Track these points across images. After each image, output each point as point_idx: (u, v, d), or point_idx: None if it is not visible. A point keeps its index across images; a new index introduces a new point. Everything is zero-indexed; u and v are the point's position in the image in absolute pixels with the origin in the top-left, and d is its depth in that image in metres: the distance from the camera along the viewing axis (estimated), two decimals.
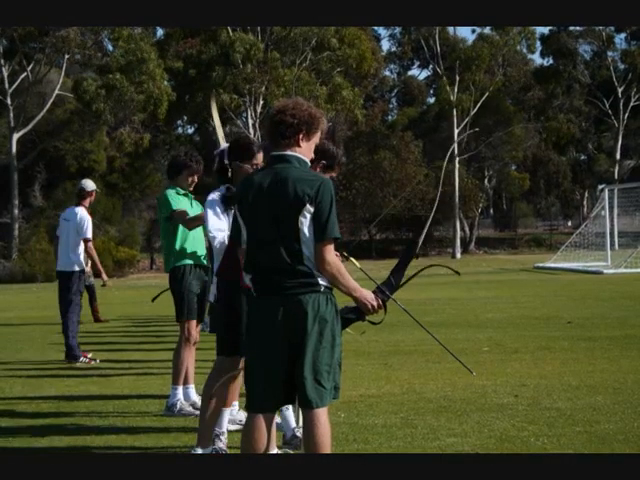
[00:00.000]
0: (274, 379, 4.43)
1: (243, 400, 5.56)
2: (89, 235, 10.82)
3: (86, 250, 10.86)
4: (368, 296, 4.63)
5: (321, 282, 4.44)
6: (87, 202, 10.99)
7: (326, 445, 4.41)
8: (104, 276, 11.30)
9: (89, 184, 11.08)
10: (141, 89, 40.35)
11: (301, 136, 4.50)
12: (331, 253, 4.41)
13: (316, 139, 4.60)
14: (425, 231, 5.41)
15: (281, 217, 4.39)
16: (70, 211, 11.06)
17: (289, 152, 4.49)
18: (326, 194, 4.37)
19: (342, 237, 4.61)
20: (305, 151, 4.54)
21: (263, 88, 42.21)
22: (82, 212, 10.88)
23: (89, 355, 10.91)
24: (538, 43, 56.10)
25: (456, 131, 51.06)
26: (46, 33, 40.80)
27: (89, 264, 16.41)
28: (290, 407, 6.03)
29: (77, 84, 41.37)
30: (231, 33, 41.61)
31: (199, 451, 5.60)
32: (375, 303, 4.64)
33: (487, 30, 51.79)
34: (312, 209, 4.35)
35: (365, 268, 6.54)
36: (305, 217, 4.36)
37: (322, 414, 4.42)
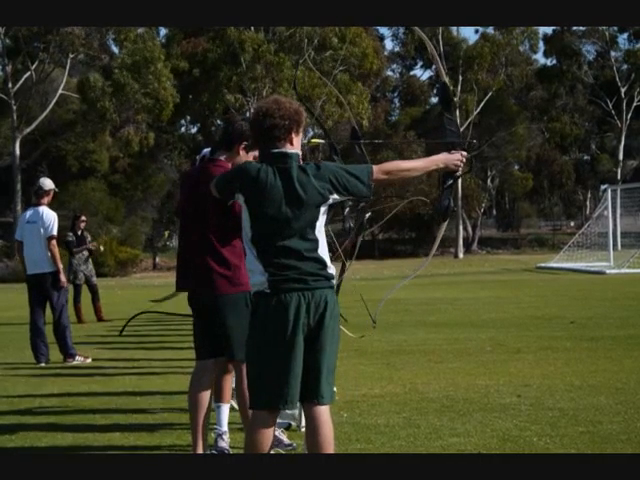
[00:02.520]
0: (290, 374, 4.41)
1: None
2: (55, 233, 10.67)
3: (49, 247, 10.61)
4: (452, 157, 4.82)
5: (333, 274, 4.52)
6: (46, 201, 10.81)
7: (332, 443, 4.43)
8: (62, 277, 10.86)
9: (47, 183, 10.88)
10: (147, 90, 40.40)
11: (293, 135, 4.55)
12: (377, 170, 4.58)
13: (301, 130, 4.66)
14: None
15: (306, 213, 4.43)
16: (33, 212, 10.79)
17: (289, 150, 4.53)
18: (333, 172, 4.49)
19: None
20: (297, 145, 4.61)
21: (267, 88, 42.20)
22: (47, 210, 10.74)
23: (85, 358, 10.97)
24: (541, 43, 56.21)
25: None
26: (50, 31, 40.81)
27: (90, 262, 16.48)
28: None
29: (83, 82, 41.44)
30: (232, 31, 41.56)
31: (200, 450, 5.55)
32: (459, 156, 4.83)
33: (490, 30, 51.86)
34: (336, 195, 4.49)
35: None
36: (327, 205, 4.49)
37: (328, 411, 4.45)
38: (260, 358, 4.47)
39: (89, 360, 10.89)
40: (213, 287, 5.47)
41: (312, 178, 4.44)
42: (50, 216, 10.67)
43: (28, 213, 10.93)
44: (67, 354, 10.87)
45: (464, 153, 4.85)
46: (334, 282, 4.53)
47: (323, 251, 4.49)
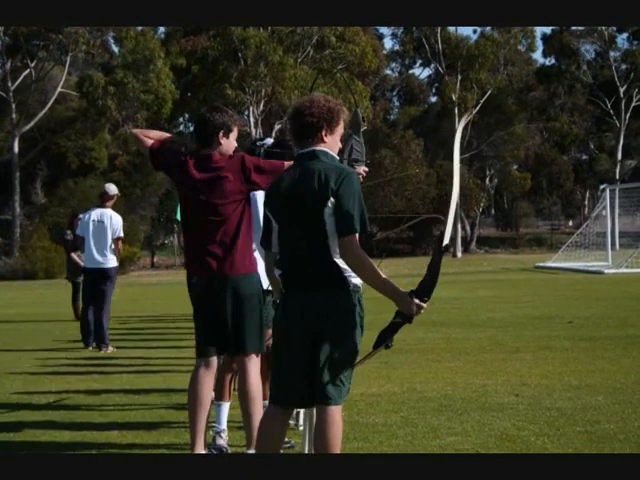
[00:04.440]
0: (299, 373, 4.43)
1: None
2: (122, 234, 12.02)
3: (116, 246, 11.90)
4: (410, 302, 4.45)
5: (351, 280, 4.44)
6: (110, 204, 12.01)
7: (337, 445, 4.39)
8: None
9: (112, 188, 12.05)
10: (147, 88, 40.40)
11: (324, 132, 4.51)
12: (353, 244, 4.34)
13: (340, 130, 4.60)
14: (450, 225, 5.37)
15: (308, 211, 4.39)
16: (101, 213, 11.93)
17: (315, 148, 4.51)
18: (347, 186, 4.35)
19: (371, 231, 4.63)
20: (331, 145, 4.55)
21: (266, 86, 42.18)
22: (115, 214, 11.99)
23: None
24: (540, 43, 56.28)
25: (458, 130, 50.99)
26: (52, 30, 40.78)
27: None
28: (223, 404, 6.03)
29: (84, 80, 41.40)
30: (234, 29, 41.47)
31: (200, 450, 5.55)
32: (415, 306, 4.47)
33: (488, 29, 51.93)
34: (334, 201, 4.34)
35: None
36: (329, 209, 4.35)
37: (337, 412, 4.41)
38: (274, 354, 4.57)
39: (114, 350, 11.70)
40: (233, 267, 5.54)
41: (320, 173, 4.38)
42: (119, 219, 11.97)
43: (94, 213, 11.99)
44: (104, 343, 11.67)
45: (423, 305, 4.50)
46: (354, 284, 4.44)
47: (337, 255, 4.40)
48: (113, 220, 11.85)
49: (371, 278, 4.40)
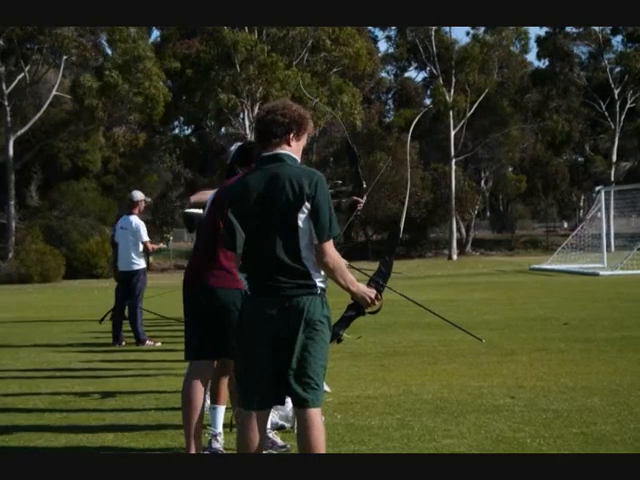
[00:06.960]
0: (267, 377, 4.43)
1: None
2: (145, 238, 12.29)
3: (146, 249, 12.43)
4: (365, 289, 4.68)
5: (318, 284, 4.44)
6: (137, 210, 12.40)
7: (321, 447, 4.40)
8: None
9: (137, 194, 12.46)
10: (138, 89, 40.34)
11: (291, 135, 4.52)
12: (332, 248, 4.43)
13: (304, 140, 4.62)
14: (404, 215, 5.58)
15: (280, 216, 4.39)
16: (125, 220, 12.47)
17: (280, 151, 4.50)
18: (321, 190, 4.39)
19: (340, 233, 4.70)
20: (295, 150, 4.55)
21: (260, 89, 42.18)
22: (136, 220, 12.35)
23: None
24: (535, 45, 56.31)
25: (452, 132, 51.10)
26: (42, 32, 40.73)
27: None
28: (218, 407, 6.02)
29: (76, 82, 41.40)
30: (226, 32, 41.47)
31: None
32: (372, 295, 4.67)
33: (481, 33, 52.11)
34: (309, 206, 4.36)
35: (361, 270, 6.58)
36: (303, 213, 4.37)
37: (317, 415, 4.42)
38: (241, 360, 4.55)
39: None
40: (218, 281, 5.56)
41: (293, 178, 4.37)
42: (139, 225, 12.34)
43: (120, 220, 12.75)
44: (138, 340, 12.26)
45: (378, 296, 4.71)
46: (321, 287, 4.47)
47: (307, 259, 4.43)
48: (133, 225, 12.29)
49: (343, 279, 4.50)
